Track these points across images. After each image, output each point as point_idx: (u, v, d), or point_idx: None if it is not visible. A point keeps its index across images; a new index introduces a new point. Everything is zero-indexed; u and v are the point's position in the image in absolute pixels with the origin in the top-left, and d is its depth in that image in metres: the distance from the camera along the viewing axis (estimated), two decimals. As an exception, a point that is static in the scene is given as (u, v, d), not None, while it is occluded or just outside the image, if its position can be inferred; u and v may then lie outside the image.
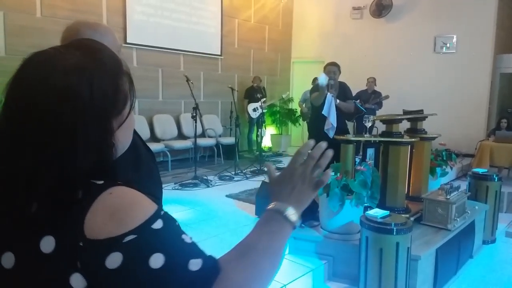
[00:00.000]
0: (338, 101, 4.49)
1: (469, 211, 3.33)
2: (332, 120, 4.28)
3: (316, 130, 4.57)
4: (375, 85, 7.63)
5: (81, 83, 0.60)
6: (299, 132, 9.09)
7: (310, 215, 3.69)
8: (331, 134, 4.27)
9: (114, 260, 0.55)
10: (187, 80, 5.55)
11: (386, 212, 2.65)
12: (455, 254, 3.14)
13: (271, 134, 9.02)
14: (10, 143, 0.60)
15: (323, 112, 4.33)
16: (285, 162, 7.49)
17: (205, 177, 5.68)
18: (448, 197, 3.12)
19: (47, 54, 0.64)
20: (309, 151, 0.76)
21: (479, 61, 7.79)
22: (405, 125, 3.74)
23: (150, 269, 0.55)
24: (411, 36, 8.29)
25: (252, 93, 7.84)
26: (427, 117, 3.78)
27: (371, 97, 7.42)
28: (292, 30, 9.70)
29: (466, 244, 3.37)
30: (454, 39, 7.98)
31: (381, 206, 2.98)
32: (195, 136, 5.84)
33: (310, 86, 7.91)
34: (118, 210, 0.58)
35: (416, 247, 2.69)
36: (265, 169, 0.81)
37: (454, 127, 7.46)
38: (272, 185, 0.77)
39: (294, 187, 0.74)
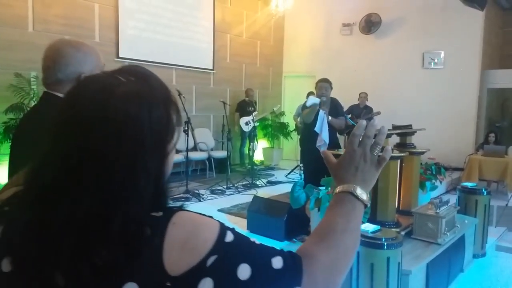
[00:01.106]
0: (330, 118, 4.52)
1: (458, 225, 3.36)
2: (324, 137, 4.31)
3: (308, 145, 4.60)
4: (367, 100, 7.74)
5: (141, 110, 0.57)
6: (291, 145, 9.14)
7: (301, 229, 3.70)
8: (322, 150, 4.28)
9: (205, 287, 0.54)
10: (179, 94, 5.57)
11: (377, 227, 2.66)
12: (446, 268, 3.15)
13: (263, 148, 9.05)
14: (65, 183, 0.55)
15: (315, 129, 4.35)
16: (276, 175, 7.50)
17: (197, 191, 5.67)
18: (437, 211, 3.15)
19: (103, 81, 0.59)
20: (363, 131, 0.75)
21: (466, 77, 7.95)
22: (394, 139, 3.79)
23: (241, 282, 0.56)
24: (399, 52, 8.45)
25: (244, 107, 7.88)
26: (415, 132, 3.83)
27: (363, 112, 7.52)
28: (283, 45, 9.83)
29: (457, 258, 3.38)
30: (442, 55, 8.15)
31: (372, 220, 2.99)
32: (187, 150, 5.83)
33: (303, 100, 8.01)
34: (188, 238, 0.56)
35: (407, 262, 2.69)
36: (322, 155, 0.80)
37: (443, 141, 7.56)
38: (334, 170, 0.77)
39: (357, 168, 0.74)
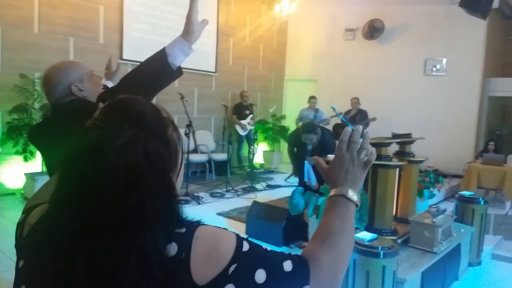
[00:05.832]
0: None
1: (455, 234, 3.39)
2: (312, 182, 4.11)
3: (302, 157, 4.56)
4: (359, 104, 7.81)
5: (138, 156, 0.60)
6: (291, 149, 9.16)
7: (299, 235, 3.74)
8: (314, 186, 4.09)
9: None
10: (182, 97, 5.63)
11: (374, 235, 2.69)
12: (441, 276, 3.19)
13: (263, 151, 9.09)
14: (82, 237, 0.59)
15: (305, 179, 4.23)
16: (276, 179, 7.55)
17: (196, 194, 5.71)
18: (434, 220, 3.18)
19: (96, 136, 0.61)
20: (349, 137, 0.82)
21: (468, 84, 7.98)
22: (393, 148, 3.83)
23: (258, 285, 0.63)
24: (402, 58, 8.48)
25: (240, 110, 7.92)
26: (415, 141, 3.87)
27: (357, 117, 7.59)
28: (286, 49, 9.87)
29: (452, 267, 3.42)
30: (444, 62, 8.18)
31: (369, 227, 3.03)
32: (188, 152, 5.88)
33: (303, 104, 8.05)
34: (211, 251, 0.62)
35: (402, 270, 2.73)
36: (314, 162, 0.87)
37: (443, 148, 7.59)
38: (326, 174, 0.85)
39: (347, 171, 0.81)
